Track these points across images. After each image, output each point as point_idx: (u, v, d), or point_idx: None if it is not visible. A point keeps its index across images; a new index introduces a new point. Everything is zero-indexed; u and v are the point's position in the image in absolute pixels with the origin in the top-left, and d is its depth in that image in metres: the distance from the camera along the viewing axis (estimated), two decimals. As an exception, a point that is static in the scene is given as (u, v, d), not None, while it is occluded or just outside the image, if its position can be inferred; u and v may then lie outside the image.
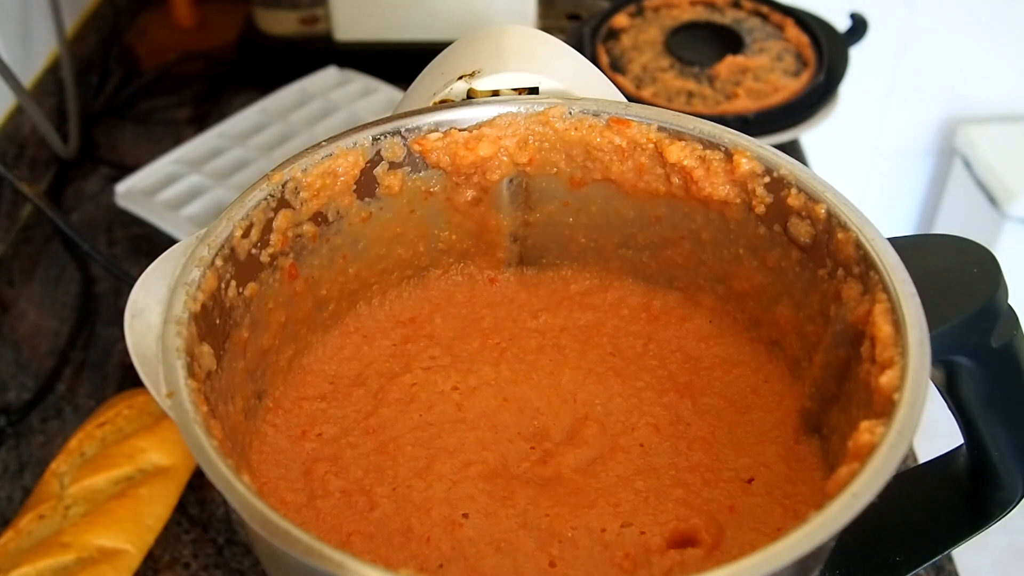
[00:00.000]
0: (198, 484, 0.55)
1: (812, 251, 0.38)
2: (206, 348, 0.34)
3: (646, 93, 0.76)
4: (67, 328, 0.65)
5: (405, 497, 0.37)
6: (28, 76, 0.79)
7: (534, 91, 0.43)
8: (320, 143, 0.40)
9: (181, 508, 0.54)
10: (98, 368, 0.63)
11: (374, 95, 0.82)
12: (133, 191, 0.72)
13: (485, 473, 0.38)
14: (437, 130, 0.41)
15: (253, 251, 0.38)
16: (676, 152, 0.40)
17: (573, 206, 0.44)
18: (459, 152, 0.41)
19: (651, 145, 0.41)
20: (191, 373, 0.32)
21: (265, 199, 0.38)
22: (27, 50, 0.79)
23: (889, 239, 0.35)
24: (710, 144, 0.40)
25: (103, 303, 0.68)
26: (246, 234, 0.37)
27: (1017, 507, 0.40)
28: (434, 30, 0.84)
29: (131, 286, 0.35)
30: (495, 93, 0.42)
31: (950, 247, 0.36)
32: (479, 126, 0.41)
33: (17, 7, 0.78)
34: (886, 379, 0.31)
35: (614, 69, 0.78)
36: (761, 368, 0.42)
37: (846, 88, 0.78)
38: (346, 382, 0.42)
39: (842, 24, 0.83)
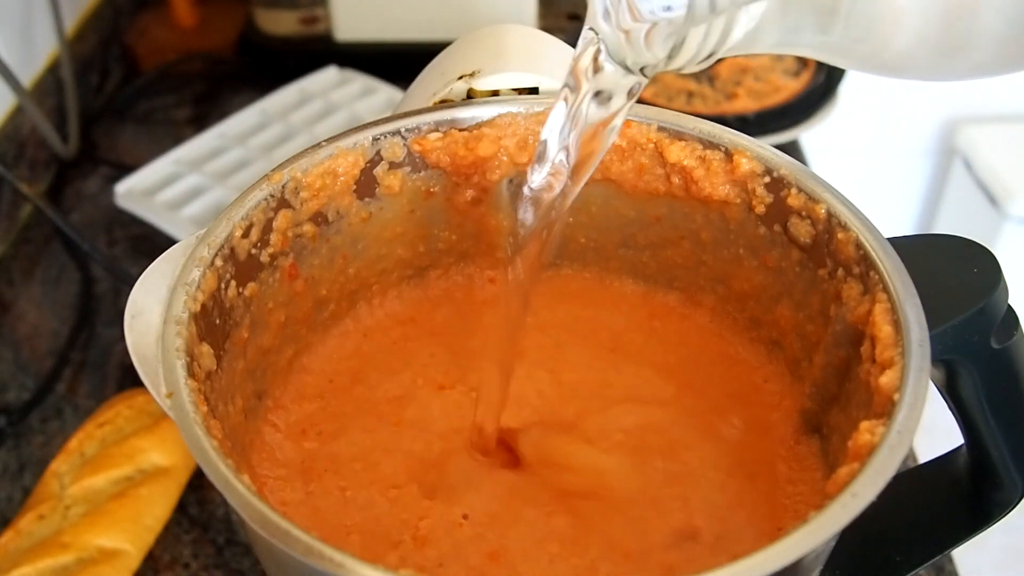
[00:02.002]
0: (198, 484, 0.55)
1: (812, 251, 0.38)
2: (206, 348, 0.34)
3: (646, 93, 0.76)
4: (67, 328, 0.65)
5: (405, 496, 0.37)
6: (28, 76, 0.79)
7: (534, 91, 0.43)
8: (320, 143, 0.40)
9: (181, 508, 0.54)
10: (98, 368, 0.63)
11: (374, 95, 0.82)
12: (133, 191, 0.72)
13: (485, 468, 0.38)
14: (437, 130, 0.41)
15: (253, 251, 0.38)
16: (676, 152, 0.40)
17: (573, 206, 0.44)
18: (459, 152, 0.41)
19: (651, 145, 0.41)
20: (191, 373, 0.32)
21: (265, 199, 0.38)
22: (27, 50, 0.79)
23: (889, 239, 0.35)
24: (710, 144, 0.40)
25: (103, 303, 0.68)
26: (246, 234, 0.37)
27: (1017, 507, 0.40)
28: (434, 30, 0.84)
29: (131, 286, 0.35)
30: (495, 93, 0.42)
31: (950, 247, 0.36)
32: (479, 126, 0.41)
33: (17, 7, 0.78)
34: (886, 379, 0.31)
35: (614, 69, 0.78)
36: (761, 368, 0.42)
37: (846, 88, 0.78)
38: (346, 381, 0.42)
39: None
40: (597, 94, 0.32)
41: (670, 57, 0.29)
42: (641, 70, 0.31)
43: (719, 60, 0.29)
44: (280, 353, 0.41)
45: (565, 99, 0.32)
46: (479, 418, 0.38)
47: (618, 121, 0.33)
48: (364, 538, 0.36)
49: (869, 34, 0.28)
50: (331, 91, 0.82)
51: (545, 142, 0.33)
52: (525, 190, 0.34)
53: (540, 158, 0.34)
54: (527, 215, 0.35)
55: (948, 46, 0.28)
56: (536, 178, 0.34)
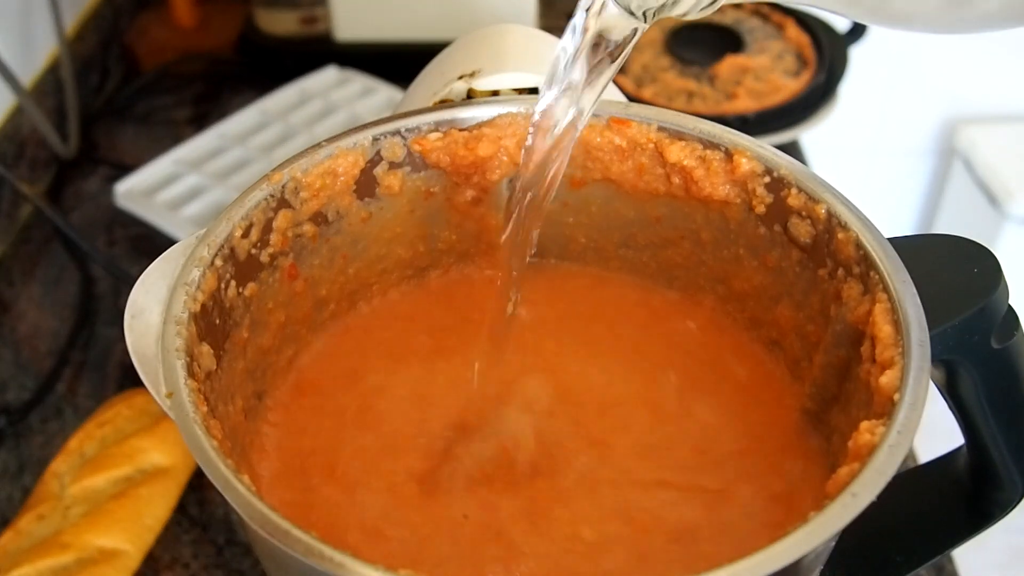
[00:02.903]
0: (198, 484, 0.55)
1: (812, 251, 0.38)
2: (206, 348, 0.34)
3: (646, 93, 0.76)
4: (67, 328, 0.65)
5: (405, 494, 0.37)
6: (28, 76, 0.79)
7: (534, 91, 0.43)
8: (320, 143, 0.40)
9: (181, 508, 0.54)
10: (98, 368, 0.63)
11: (374, 95, 0.82)
12: (133, 191, 0.72)
13: (485, 466, 0.38)
14: (437, 130, 0.41)
15: (253, 251, 0.38)
16: (676, 152, 0.40)
17: (573, 206, 0.44)
18: (459, 152, 0.41)
19: (651, 145, 0.41)
20: (191, 373, 0.32)
21: (265, 199, 0.38)
22: (27, 50, 0.79)
23: (889, 239, 0.35)
24: (710, 144, 0.40)
25: (103, 303, 0.68)
26: (246, 234, 0.37)
27: (1017, 507, 0.40)
28: (434, 30, 0.84)
29: (131, 286, 0.35)
30: (495, 93, 0.42)
31: (950, 247, 0.36)
32: (479, 126, 0.41)
33: (17, 7, 0.78)
34: (886, 379, 0.31)
35: (614, 69, 0.78)
36: (761, 368, 0.42)
37: (846, 88, 0.78)
38: (346, 379, 0.42)
39: (842, 24, 0.83)
40: (595, 45, 0.32)
41: (674, 2, 0.29)
42: (643, 14, 0.31)
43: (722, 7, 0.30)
44: (280, 353, 0.41)
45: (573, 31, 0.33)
46: (478, 410, 0.39)
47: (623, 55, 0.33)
48: (364, 537, 0.36)
49: None
50: (331, 91, 0.82)
51: (554, 65, 0.34)
52: (534, 116, 0.35)
53: (549, 82, 0.34)
54: (535, 143, 0.35)
55: None
56: (543, 102, 0.34)
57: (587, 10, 0.32)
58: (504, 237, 0.37)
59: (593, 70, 0.33)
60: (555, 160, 0.35)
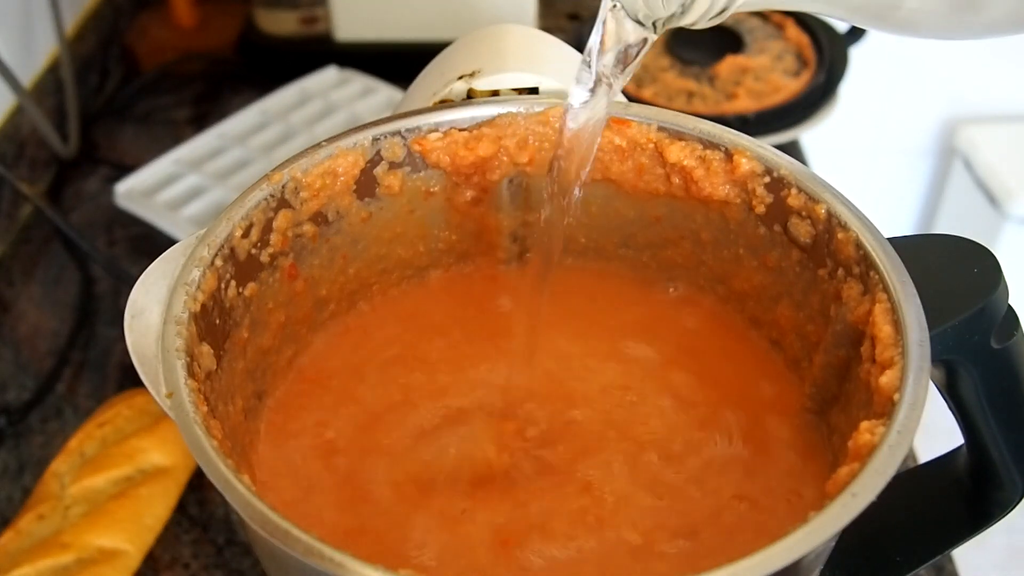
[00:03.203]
0: (198, 484, 0.55)
1: (812, 251, 0.38)
2: (206, 348, 0.34)
3: (646, 93, 0.76)
4: (67, 328, 0.65)
5: (405, 493, 0.37)
6: (28, 76, 0.79)
7: (534, 91, 0.43)
8: (320, 143, 0.40)
9: (181, 508, 0.54)
10: (98, 368, 0.63)
11: (374, 95, 0.82)
12: (133, 191, 0.72)
13: (485, 465, 0.38)
14: (437, 130, 0.41)
15: (253, 251, 0.38)
16: (676, 152, 0.40)
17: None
18: (459, 152, 0.41)
19: (651, 145, 0.41)
20: (191, 373, 0.32)
21: (265, 199, 0.38)
22: (27, 50, 0.79)
23: (889, 239, 0.35)
24: (710, 144, 0.40)
25: (103, 303, 0.68)
26: (246, 234, 0.37)
27: (1017, 507, 0.40)
28: (434, 30, 0.84)
29: (131, 286, 0.35)
30: (495, 93, 0.42)
31: (950, 247, 0.36)
32: (479, 126, 0.41)
33: (17, 7, 0.78)
34: (886, 379, 0.31)
35: (614, 69, 0.78)
36: (761, 368, 0.42)
37: (846, 88, 0.78)
38: (346, 379, 0.42)
39: (842, 24, 0.83)
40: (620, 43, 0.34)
41: (683, 12, 0.30)
42: (652, 24, 0.32)
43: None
44: (280, 353, 0.41)
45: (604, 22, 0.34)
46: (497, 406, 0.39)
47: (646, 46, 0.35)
48: (364, 537, 0.36)
49: None
50: (331, 91, 0.82)
51: (588, 57, 0.35)
52: (568, 103, 0.36)
53: (579, 77, 0.35)
54: (567, 130, 0.36)
55: (962, 1, 0.28)
56: (578, 93, 0.36)
57: (607, 13, 0.34)
58: (544, 216, 0.39)
59: (619, 62, 0.35)
60: (589, 141, 0.37)
